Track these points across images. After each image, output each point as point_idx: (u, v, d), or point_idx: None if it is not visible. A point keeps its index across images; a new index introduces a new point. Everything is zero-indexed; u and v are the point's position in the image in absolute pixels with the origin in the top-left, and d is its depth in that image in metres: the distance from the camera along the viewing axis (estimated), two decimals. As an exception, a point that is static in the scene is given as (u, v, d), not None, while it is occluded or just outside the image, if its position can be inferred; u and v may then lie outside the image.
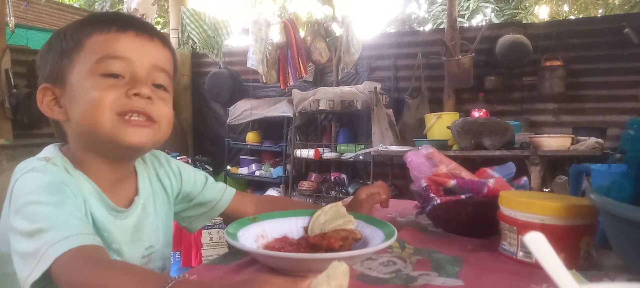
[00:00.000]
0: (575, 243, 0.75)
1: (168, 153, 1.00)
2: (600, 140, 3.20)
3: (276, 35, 4.57)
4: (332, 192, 4.48)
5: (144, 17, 3.99)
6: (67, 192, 0.70)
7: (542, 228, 0.71)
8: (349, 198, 1.15)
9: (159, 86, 0.79)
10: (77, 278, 0.59)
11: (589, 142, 3.16)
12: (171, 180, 0.93)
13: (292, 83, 4.63)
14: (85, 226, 0.67)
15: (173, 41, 5.34)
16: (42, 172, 0.71)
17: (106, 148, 0.77)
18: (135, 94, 0.74)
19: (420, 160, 1.04)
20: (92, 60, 0.74)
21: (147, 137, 0.76)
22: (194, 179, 0.98)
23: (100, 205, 0.77)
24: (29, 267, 0.61)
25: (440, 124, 3.80)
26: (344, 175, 4.72)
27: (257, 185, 5.19)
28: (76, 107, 0.75)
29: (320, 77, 5.21)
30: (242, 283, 0.51)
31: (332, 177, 4.69)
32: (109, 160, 0.80)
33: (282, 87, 4.73)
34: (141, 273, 0.60)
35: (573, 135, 3.33)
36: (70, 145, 0.80)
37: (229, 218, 0.98)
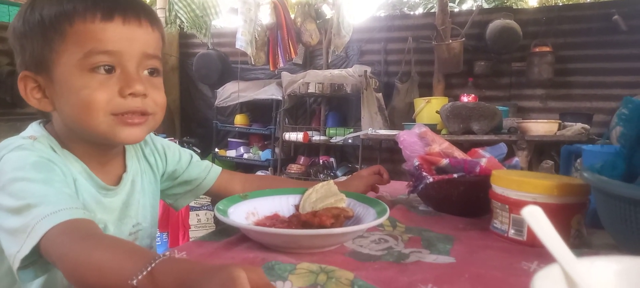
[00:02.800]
0: (567, 222, 0.75)
1: (155, 134, 0.98)
2: (586, 126, 3.23)
3: (266, 16, 4.50)
4: (321, 175, 4.48)
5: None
6: (56, 169, 0.69)
7: (535, 206, 0.71)
8: (341, 178, 1.14)
9: (151, 72, 0.76)
10: (66, 252, 0.57)
11: (576, 127, 3.19)
12: (156, 158, 0.92)
13: (281, 65, 4.58)
14: (75, 201, 0.66)
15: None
16: (29, 149, 0.69)
17: (99, 141, 0.76)
18: (130, 94, 0.71)
19: (413, 139, 1.03)
20: (78, 53, 0.69)
21: (143, 132, 0.75)
22: (179, 157, 0.96)
23: (90, 184, 0.76)
24: (18, 243, 0.60)
25: (430, 108, 3.80)
26: (332, 159, 4.72)
27: (245, 168, 5.16)
28: (66, 105, 0.71)
29: (310, 60, 5.16)
30: (221, 268, 0.48)
31: (321, 161, 4.68)
32: (101, 147, 0.79)
33: (271, 69, 4.67)
34: (130, 248, 0.59)
35: (560, 121, 3.36)
36: (56, 129, 0.77)
37: (216, 197, 0.97)
